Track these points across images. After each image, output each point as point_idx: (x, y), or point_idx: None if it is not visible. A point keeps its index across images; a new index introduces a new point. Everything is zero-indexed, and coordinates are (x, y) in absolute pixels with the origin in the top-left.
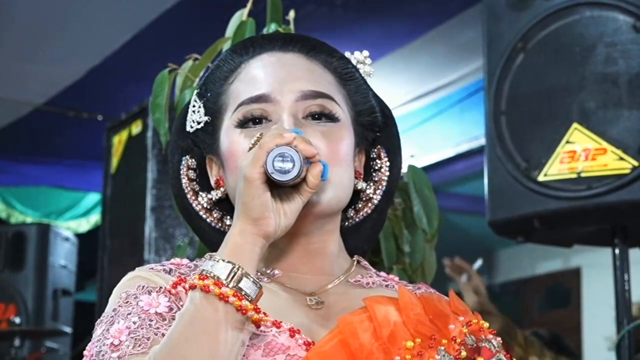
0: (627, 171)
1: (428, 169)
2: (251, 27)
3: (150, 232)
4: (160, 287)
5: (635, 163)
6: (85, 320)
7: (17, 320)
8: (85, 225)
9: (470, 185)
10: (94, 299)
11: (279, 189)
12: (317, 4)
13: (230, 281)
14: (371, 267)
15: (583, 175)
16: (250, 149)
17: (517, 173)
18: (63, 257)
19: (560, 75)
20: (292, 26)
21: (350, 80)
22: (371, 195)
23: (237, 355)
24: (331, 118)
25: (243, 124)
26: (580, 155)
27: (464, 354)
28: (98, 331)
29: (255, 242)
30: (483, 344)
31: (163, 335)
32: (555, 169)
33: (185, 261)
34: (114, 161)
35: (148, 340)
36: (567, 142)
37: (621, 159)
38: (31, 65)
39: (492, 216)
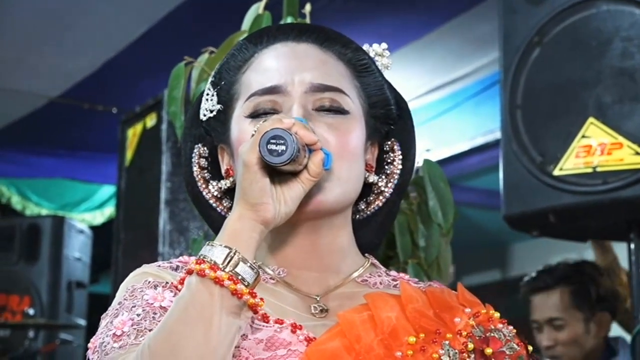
0: None
1: (443, 162)
2: (267, 20)
3: (164, 225)
4: (167, 283)
5: None
6: (99, 312)
7: (31, 312)
8: (99, 217)
9: (485, 179)
10: (108, 291)
11: (280, 176)
12: None
13: (227, 265)
14: (381, 266)
15: (599, 169)
16: (253, 135)
17: (533, 167)
18: (77, 249)
19: (576, 69)
20: (308, 20)
21: (365, 72)
22: (383, 189)
23: (232, 340)
24: (340, 111)
25: (252, 114)
26: (596, 149)
27: (471, 346)
28: (103, 323)
29: (253, 227)
30: (492, 334)
31: None
32: (570, 164)
33: (193, 259)
34: (129, 154)
35: (150, 332)
36: (583, 136)
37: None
38: (46, 57)
39: (507, 210)
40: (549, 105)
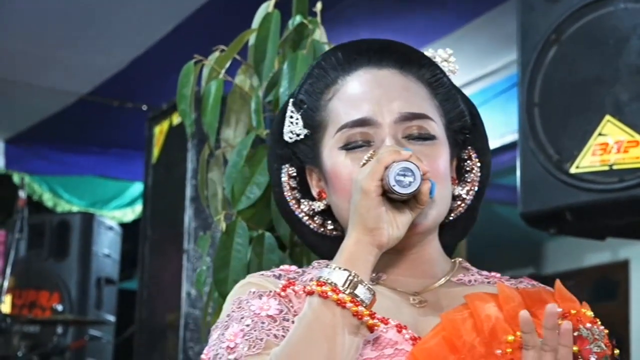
0: None
1: None
2: (276, 18)
3: (189, 222)
4: (270, 291)
5: None
6: (128, 308)
7: (60, 308)
8: (130, 214)
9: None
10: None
11: (391, 203)
12: None
13: (347, 288)
14: (473, 267)
15: (615, 167)
16: (364, 164)
17: (549, 165)
18: (107, 246)
19: (594, 67)
20: (318, 18)
21: (440, 88)
22: (464, 197)
23: (353, 358)
24: (429, 137)
25: (346, 146)
26: (613, 147)
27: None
28: (214, 336)
29: (369, 251)
30: (581, 333)
31: (275, 336)
32: (587, 161)
33: (293, 267)
34: (155, 151)
35: (261, 341)
36: (600, 134)
37: None
38: (76, 54)
39: (524, 208)
40: (566, 103)
